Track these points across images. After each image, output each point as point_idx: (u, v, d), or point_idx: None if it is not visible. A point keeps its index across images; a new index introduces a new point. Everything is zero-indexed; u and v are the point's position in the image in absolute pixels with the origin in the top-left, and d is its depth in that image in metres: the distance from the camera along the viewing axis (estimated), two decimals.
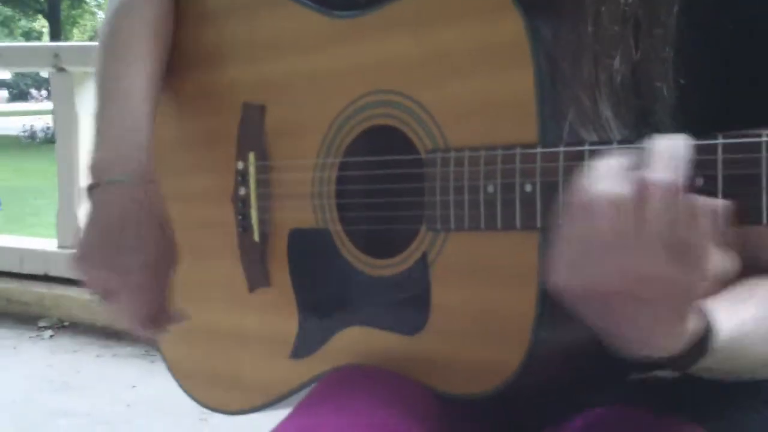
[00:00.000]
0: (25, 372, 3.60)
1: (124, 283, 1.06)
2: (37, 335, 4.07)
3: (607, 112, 0.82)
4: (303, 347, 1.08)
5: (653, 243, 0.62)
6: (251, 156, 1.13)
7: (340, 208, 1.03)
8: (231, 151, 1.15)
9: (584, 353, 0.83)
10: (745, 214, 0.63)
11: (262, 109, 1.12)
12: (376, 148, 0.99)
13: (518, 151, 0.80)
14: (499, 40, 0.85)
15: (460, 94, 0.89)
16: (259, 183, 1.12)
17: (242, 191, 1.14)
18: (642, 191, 0.62)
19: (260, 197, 1.12)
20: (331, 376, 1.02)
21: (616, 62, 0.83)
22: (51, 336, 4.05)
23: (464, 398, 0.90)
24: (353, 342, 1.02)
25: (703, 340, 0.72)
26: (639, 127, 0.83)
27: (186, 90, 1.21)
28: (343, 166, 1.03)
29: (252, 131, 1.13)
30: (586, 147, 0.72)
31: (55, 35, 32.59)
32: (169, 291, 1.10)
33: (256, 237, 1.13)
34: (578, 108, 0.81)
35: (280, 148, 1.11)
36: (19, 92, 48.04)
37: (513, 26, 0.84)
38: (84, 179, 3.68)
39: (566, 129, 0.80)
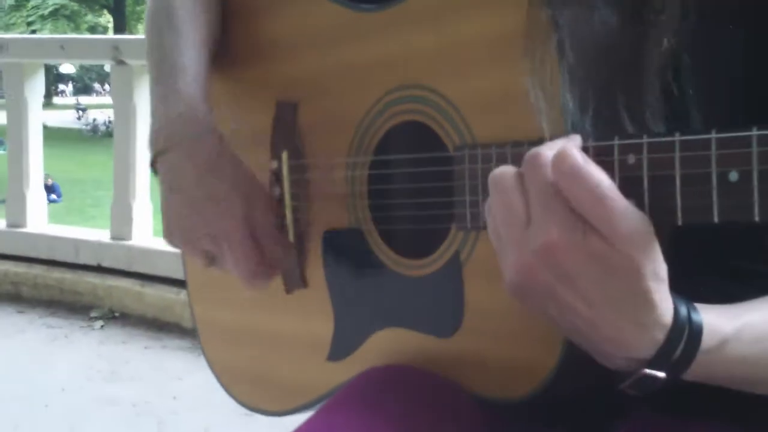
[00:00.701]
0: (75, 361, 3.65)
1: (220, 241, 1.01)
2: (89, 325, 4.12)
3: (646, 100, 0.78)
4: (339, 349, 1.06)
5: (542, 215, 0.65)
6: (284, 155, 1.11)
7: (372, 207, 1.01)
8: (266, 150, 1.13)
9: None
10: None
11: (294, 107, 1.10)
12: (406, 144, 0.97)
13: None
14: (521, 28, 0.82)
15: (484, 85, 0.86)
16: (293, 183, 1.10)
17: (276, 191, 1.12)
18: (519, 172, 0.67)
19: (294, 197, 1.11)
20: (360, 377, 0.99)
21: (639, 48, 0.79)
22: (102, 326, 4.11)
23: (501, 402, 0.87)
24: (388, 344, 1.00)
25: (693, 338, 0.68)
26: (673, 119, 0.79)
27: (221, 89, 1.19)
28: (373, 165, 1.01)
29: (285, 130, 1.11)
30: (616, 141, 0.67)
31: (119, 30, 33.22)
32: (274, 230, 1.04)
33: (291, 237, 1.11)
34: (608, 98, 0.77)
35: (313, 146, 1.09)
36: (83, 86, 49.22)
37: (535, 14, 0.80)
38: (141, 170, 3.67)
39: (591, 120, 0.76)
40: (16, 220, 4.61)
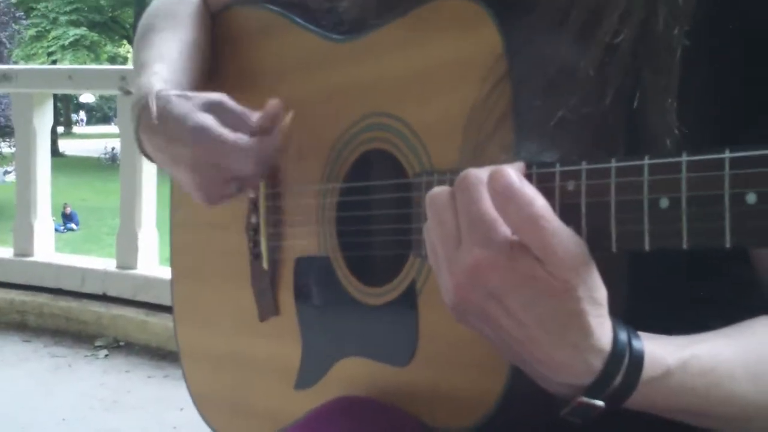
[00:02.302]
0: (77, 390, 3.64)
1: (221, 160, 0.98)
2: (93, 354, 4.12)
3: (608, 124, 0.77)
4: (305, 378, 1.07)
5: (469, 234, 0.65)
6: (262, 183, 1.12)
7: (340, 234, 1.02)
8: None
9: None
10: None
11: None
12: (372, 172, 0.98)
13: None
14: (476, 54, 0.82)
15: (443, 112, 0.87)
16: (269, 210, 1.12)
17: (253, 219, 1.14)
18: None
19: (270, 224, 1.12)
20: (321, 408, 0.99)
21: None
22: (106, 355, 4.10)
23: None
24: (350, 373, 1.00)
25: (633, 367, 0.67)
26: None
27: None
28: (341, 192, 1.01)
29: None
30: (557, 168, 0.67)
31: None
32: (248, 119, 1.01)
33: (265, 265, 1.12)
34: (557, 139, 0.76)
35: (289, 174, 1.10)
36: (102, 115, 49.69)
37: (490, 40, 0.80)
38: (147, 199, 3.67)
39: (546, 145, 0.75)
40: (24, 249, 4.62)
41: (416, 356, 0.90)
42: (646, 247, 0.61)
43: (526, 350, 0.67)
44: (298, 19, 1.09)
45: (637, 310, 0.70)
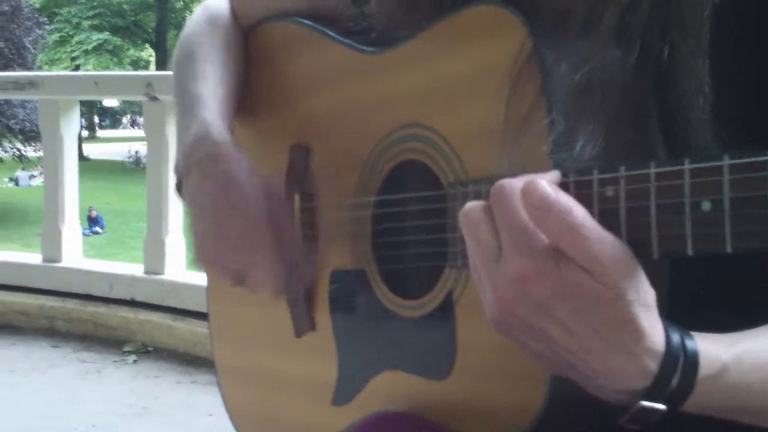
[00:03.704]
0: (106, 396, 3.65)
1: (246, 256, 1.01)
2: (121, 359, 4.13)
3: (626, 130, 0.75)
4: (342, 393, 1.06)
5: (511, 246, 0.64)
6: (296, 198, 1.12)
7: (375, 247, 1.01)
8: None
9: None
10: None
11: (306, 150, 1.12)
12: (406, 184, 0.97)
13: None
14: (505, 57, 0.81)
15: (475, 120, 0.86)
16: (304, 225, 1.11)
17: None
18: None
19: (305, 239, 1.11)
20: (359, 425, 0.98)
21: (635, 73, 0.76)
22: (134, 361, 4.12)
23: None
24: (387, 388, 0.98)
25: (689, 366, 0.66)
26: (667, 142, 0.76)
27: (242, 137, 1.20)
28: (375, 205, 1.01)
29: (298, 173, 1.12)
30: (595, 175, 0.66)
31: (161, 64, 33.85)
32: (296, 239, 1.06)
33: (301, 288, 1.11)
34: (594, 126, 0.74)
35: (323, 188, 1.10)
36: (127, 119, 50.08)
37: (520, 44, 0.79)
38: (173, 204, 3.73)
39: (580, 149, 0.73)
40: (52, 254, 4.65)
41: (455, 369, 0.88)
42: (689, 251, 0.60)
43: (579, 360, 0.66)
44: (329, 32, 1.09)
45: (679, 310, 0.69)
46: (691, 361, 0.66)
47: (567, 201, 0.62)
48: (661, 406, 0.66)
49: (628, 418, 0.67)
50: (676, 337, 0.66)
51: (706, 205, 0.59)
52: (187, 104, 1.10)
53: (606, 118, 0.74)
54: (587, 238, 0.61)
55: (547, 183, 0.62)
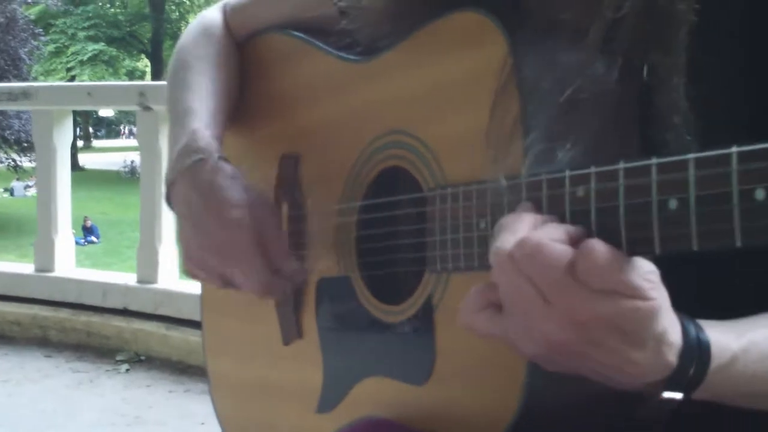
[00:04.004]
0: (99, 406, 3.65)
1: (230, 260, 1.03)
2: (114, 369, 4.13)
3: (608, 147, 0.76)
4: (327, 400, 1.06)
5: (563, 298, 0.65)
6: (284, 207, 1.13)
7: (359, 253, 1.02)
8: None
9: (599, 401, 0.79)
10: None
11: (296, 160, 1.13)
12: (389, 190, 0.98)
13: (504, 183, 0.74)
14: (486, 66, 0.81)
15: (455, 126, 0.87)
16: (292, 233, 1.12)
17: None
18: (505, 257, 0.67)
19: (293, 247, 1.11)
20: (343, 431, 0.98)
21: (617, 89, 0.77)
22: (127, 370, 4.11)
23: None
24: (371, 394, 0.99)
25: (703, 357, 0.69)
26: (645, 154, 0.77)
27: (236, 148, 1.22)
28: (359, 211, 1.01)
29: (287, 182, 1.13)
30: (567, 173, 0.67)
31: (157, 75, 33.81)
32: (282, 240, 1.07)
33: (289, 289, 1.11)
34: (576, 143, 0.75)
35: (311, 196, 1.11)
36: (121, 129, 50.01)
37: (496, 46, 0.80)
38: (167, 213, 3.72)
39: (559, 157, 0.74)
40: (45, 264, 4.65)
41: (434, 375, 0.89)
42: (657, 251, 0.61)
43: (615, 371, 0.68)
44: (320, 43, 1.10)
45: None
46: (705, 350, 0.69)
47: (600, 249, 0.63)
48: (680, 396, 0.69)
49: (648, 407, 0.72)
50: (692, 330, 0.69)
51: (673, 204, 0.59)
52: (178, 115, 1.12)
53: (588, 135, 0.75)
54: (622, 270, 0.63)
55: (561, 250, 0.64)
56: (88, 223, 17.03)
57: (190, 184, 1.04)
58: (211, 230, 1.02)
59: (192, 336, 3.99)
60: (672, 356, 0.67)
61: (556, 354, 0.68)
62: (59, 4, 31.99)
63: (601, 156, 0.67)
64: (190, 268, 1.07)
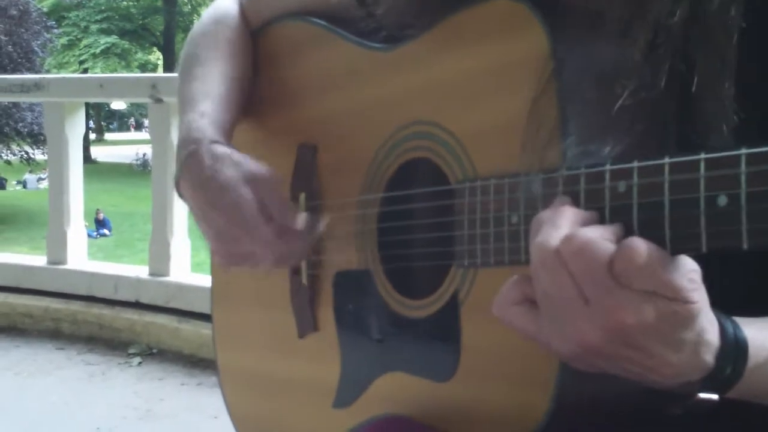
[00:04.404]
0: (111, 399, 3.64)
1: (240, 237, 1.01)
2: (126, 362, 4.12)
3: (644, 137, 0.74)
4: (344, 396, 1.04)
5: (605, 299, 0.63)
6: (302, 197, 1.11)
7: (380, 246, 0.99)
8: (286, 194, 1.14)
9: (632, 399, 0.77)
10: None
11: (314, 149, 1.11)
12: (414, 181, 0.95)
13: (540, 176, 0.72)
14: (521, 57, 0.79)
15: (487, 118, 0.84)
16: (310, 223, 1.09)
17: None
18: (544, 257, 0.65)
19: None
20: (358, 430, 0.98)
21: (663, 95, 0.74)
22: (139, 363, 4.10)
23: None
24: (391, 390, 0.97)
25: (741, 356, 0.67)
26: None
27: (252, 138, 1.21)
28: (381, 203, 0.99)
29: (304, 172, 1.11)
30: (607, 167, 0.65)
31: (169, 67, 33.89)
32: (286, 208, 1.04)
33: (304, 280, 1.10)
34: (615, 138, 0.73)
35: (330, 186, 1.09)
36: (135, 122, 50.20)
37: (536, 42, 0.77)
38: (178, 206, 3.71)
39: (598, 159, 0.72)
40: (57, 257, 4.64)
41: (459, 371, 0.87)
42: (704, 248, 0.59)
43: (652, 372, 0.67)
44: (340, 31, 1.08)
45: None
46: (742, 350, 0.67)
47: (641, 247, 0.61)
48: (716, 396, 0.69)
49: (681, 408, 0.70)
50: (729, 328, 0.67)
51: (723, 200, 0.58)
52: (183, 106, 1.11)
53: (630, 139, 0.73)
54: (665, 270, 0.61)
55: (602, 246, 0.62)
56: (101, 216, 17.09)
57: (189, 178, 1.03)
58: (216, 217, 1.01)
59: (204, 329, 3.97)
60: (709, 356, 0.66)
61: (591, 355, 0.66)
62: None
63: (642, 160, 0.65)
64: (218, 260, 1.06)
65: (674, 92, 0.74)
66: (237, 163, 1.01)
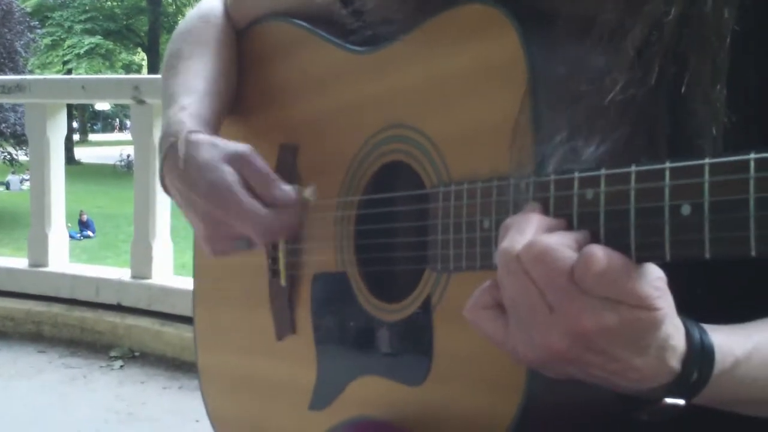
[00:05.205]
0: (93, 402, 3.62)
1: (226, 222, 0.98)
2: (108, 365, 4.10)
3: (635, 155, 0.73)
4: (320, 398, 1.04)
5: (566, 305, 0.63)
6: None
7: (357, 249, 0.99)
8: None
9: (599, 403, 0.77)
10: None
11: (295, 149, 1.11)
12: (391, 185, 0.95)
13: (512, 181, 0.72)
14: (494, 61, 0.79)
15: (461, 122, 0.84)
16: None
17: None
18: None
19: (289, 240, 1.10)
20: (335, 430, 0.97)
21: (652, 95, 0.74)
22: (121, 366, 4.08)
23: None
24: (365, 393, 0.97)
25: (707, 362, 0.67)
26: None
27: (233, 135, 1.19)
28: (359, 205, 0.99)
29: (285, 172, 1.11)
30: (576, 175, 0.65)
31: (153, 68, 33.77)
32: (268, 175, 0.99)
33: (283, 282, 1.10)
34: (601, 138, 0.73)
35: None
36: (120, 123, 50.01)
37: (509, 46, 0.77)
38: (161, 209, 3.71)
39: (584, 158, 0.72)
40: (38, 259, 4.61)
41: (430, 375, 0.87)
42: (667, 257, 0.59)
43: (617, 377, 0.67)
44: (322, 32, 1.08)
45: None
46: (709, 356, 0.67)
47: (593, 258, 0.61)
48: (682, 402, 0.68)
49: (649, 413, 0.70)
50: (696, 334, 0.67)
51: (686, 209, 0.58)
52: (167, 99, 1.11)
53: (617, 138, 0.73)
54: (629, 278, 0.61)
55: (563, 254, 0.62)
56: (84, 217, 17.00)
57: (170, 170, 1.02)
58: (198, 200, 0.99)
59: (186, 332, 3.96)
60: (675, 361, 0.66)
61: (556, 361, 0.66)
62: None
63: (628, 161, 0.65)
64: (206, 248, 1.03)
65: (664, 91, 0.74)
66: (215, 144, 0.99)
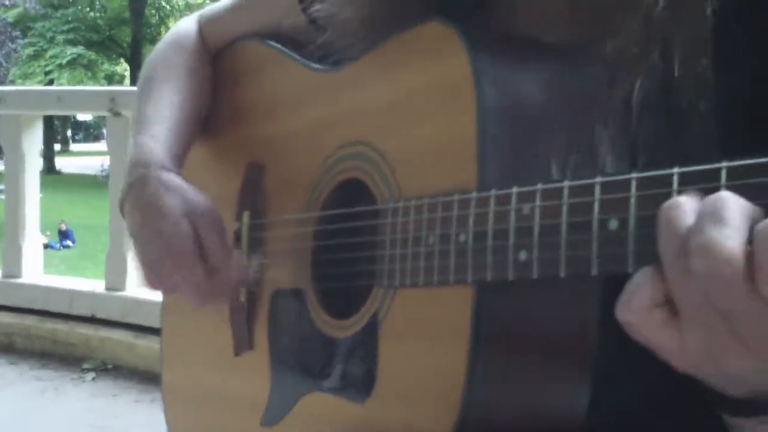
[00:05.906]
0: (64, 414, 3.60)
1: (168, 271, 1.02)
2: (80, 377, 4.08)
3: (605, 143, 0.74)
4: (272, 414, 1.04)
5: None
6: (245, 215, 1.12)
7: (314, 265, 1.00)
8: (232, 212, 1.15)
9: (535, 424, 0.76)
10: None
11: (261, 168, 1.12)
12: (347, 201, 0.96)
13: (456, 197, 0.74)
14: (446, 79, 0.80)
15: (413, 139, 0.85)
16: (252, 242, 1.11)
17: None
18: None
19: (253, 256, 1.11)
20: None
21: (637, 85, 0.75)
22: (93, 378, 4.06)
23: None
24: (313, 409, 0.97)
25: None
26: (666, 150, 0.74)
27: (204, 157, 1.22)
28: (315, 222, 1.00)
29: (251, 190, 1.13)
30: (514, 190, 0.66)
31: (135, 79, 33.55)
32: (222, 247, 1.03)
33: (242, 298, 1.10)
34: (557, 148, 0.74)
35: (274, 205, 1.10)
36: (100, 133, 49.77)
37: (459, 65, 0.78)
38: None
39: (528, 170, 0.73)
40: (12, 270, 4.59)
41: (374, 392, 0.87)
42: (594, 271, 0.59)
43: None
44: (289, 52, 1.10)
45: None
46: None
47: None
48: None
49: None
50: None
51: (614, 224, 0.58)
52: (139, 124, 1.12)
53: (585, 146, 0.74)
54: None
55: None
56: (64, 228, 16.88)
57: (134, 201, 1.04)
58: (151, 243, 1.02)
59: (159, 345, 3.94)
60: None
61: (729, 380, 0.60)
62: (38, 7, 31.77)
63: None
64: (145, 280, 1.06)
65: (662, 77, 0.75)
66: (181, 192, 1.02)
